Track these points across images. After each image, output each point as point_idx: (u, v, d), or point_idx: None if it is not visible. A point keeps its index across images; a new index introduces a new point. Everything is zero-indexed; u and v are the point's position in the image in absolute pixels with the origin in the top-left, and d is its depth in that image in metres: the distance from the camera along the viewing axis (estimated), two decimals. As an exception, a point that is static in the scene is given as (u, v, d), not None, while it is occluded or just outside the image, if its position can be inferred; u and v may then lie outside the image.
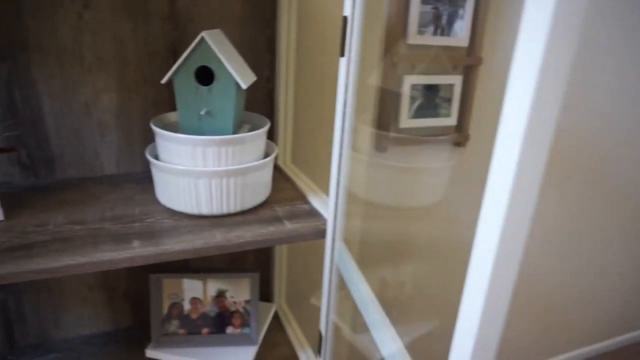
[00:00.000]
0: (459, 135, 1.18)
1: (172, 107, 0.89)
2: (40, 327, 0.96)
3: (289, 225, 0.71)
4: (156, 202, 0.77)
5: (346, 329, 0.80)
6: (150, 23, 0.83)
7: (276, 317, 1.07)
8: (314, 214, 0.75)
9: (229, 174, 0.69)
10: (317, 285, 1.21)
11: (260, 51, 0.92)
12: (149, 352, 0.85)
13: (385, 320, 0.54)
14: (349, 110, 0.60)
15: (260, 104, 0.95)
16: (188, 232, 0.67)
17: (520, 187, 0.29)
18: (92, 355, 0.93)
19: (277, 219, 0.73)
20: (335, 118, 0.62)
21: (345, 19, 0.56)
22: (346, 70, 0.57)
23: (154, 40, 0.84)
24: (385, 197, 1.13)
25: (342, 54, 0.57)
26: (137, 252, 0.62)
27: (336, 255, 0.66)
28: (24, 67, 0.78)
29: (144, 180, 0.87)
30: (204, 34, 0.65)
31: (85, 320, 0.99)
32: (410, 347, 0.53)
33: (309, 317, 1.21)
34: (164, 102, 0.88)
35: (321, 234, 0.70)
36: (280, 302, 1.11)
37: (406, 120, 1.11)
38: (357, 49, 0.57)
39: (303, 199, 0.81)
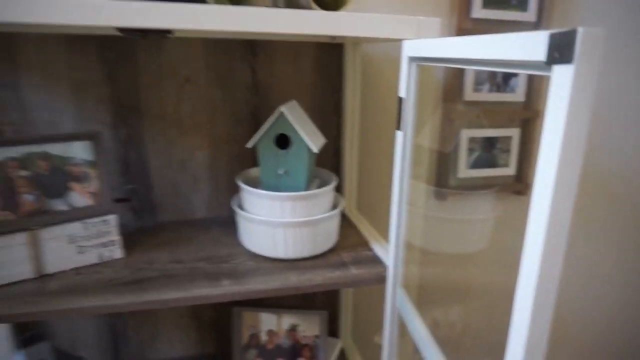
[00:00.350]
0: (519, 185, 1.23)
1: (253, 162, 1.03)
2: (140, 348, 1.11)
3: (353, 271, 0.80)
4: (239, 244, 0.90)
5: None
6: (236, 92, 0.98)
7: (342, 352, 1.15)
8: (376, 260, 0.84)
9: (302, 224, 0.80)
10: (380, 323, 1.28)
11: (329, 113, 1.04)
12: (229, 377, 0.97)
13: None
14: (406, 175, 0.69)
15: (328, 159, 1.07)
16: (267, 273, 0.79)
17: (551, 241, 0.36)
18: (179, 376, 1.07)
19: (344, 265, 0.83)
20: (393, 181, 0.71)
21: (400, 99, 0.66)
22: (402, 141, 0.67)
23: (239, 106, 0.99)
24: (442, 245, 1.19)
25: (399, 128, 0.68)
26: (227, 289, 0.74)
27: (397, 300, 0.74)
28: (138, 130, 0.96)
29: (228, 223, 1.00)
30: (282, 108, 0.79)
31: (176, 345, 1.13)
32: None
33: (373, 353, 1.28)
34: (246, 157, 1.03)
35: (382, 280, 0.78)
36: (345, 338, 1.19)
37: (464, 171, 1.17)
38: (412, 123, 0.67)
39: (366, 245, 0.91)
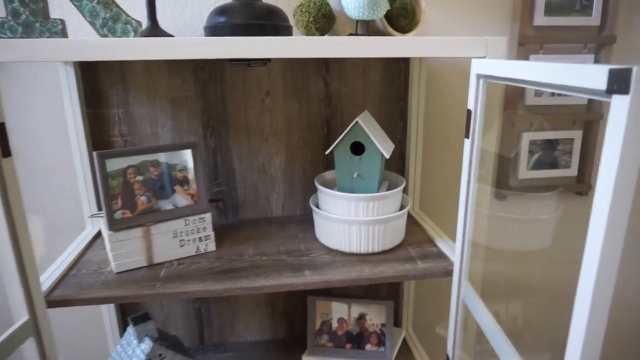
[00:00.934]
0: (581, 185, 1.25)
1: (324, 166, 1.13)
2: (221, 331, 1.24)
3: (421, 265, 0.88)
4: (315, 240, 1.01)
5: (467, 357, 0.93)
6: (311, 104, 1.09)
7: (404, 341, 1.23)
8: (441, 255, 0.92)
9: (374, 222, 0.89)
10: (441, 315, 1.35)
11: (395, 119, 1.12)
12: (305, 358, 1.08)
13: (512, 349, 0.67)
14: (472, 178, 0.77)
15: (394, 161, 1.15)
16: (343, 265, 0.89)
17: (609, 240, 0.43)
18: (257, 357, 1.19)
19: (411, 259, 0.91)
20: (461, 183, 0.79)
21: (469, 111, 0.73)
22: (470, 148, 0.75)
23: (312, 116, 1.10)
24: (504, 243, 1.24)
25: (467, 136, 0.75)
26: (309, 279, 0.84)
27: (462, 292, 0.82)
28: (224, 139, 1.09)
29: (302, 221, 1.11)
30: (358, 119, 0.88)
31: (252, 330, 1.26)
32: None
33: (433, 342, 1.36)
34: (318, 162, 1.13)
35: (448, 273, 0.86)
36: (407, 328, 1.27)
37: (525, 172, 1.22)
38: (479, 132, 0.74)
39: (431, 242, 0.99)
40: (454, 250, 0.90)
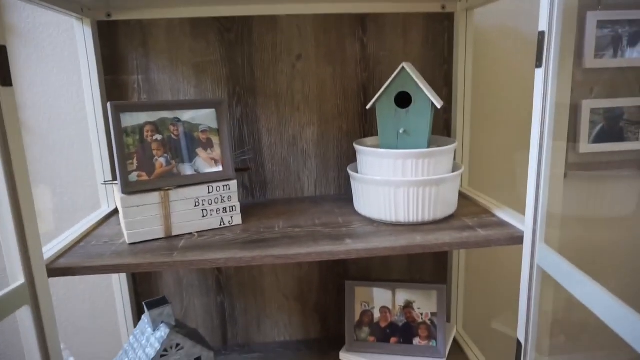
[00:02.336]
0: (650, 160, 1.11)
1: (362, 137, 1.02)
2: (246, 330, 1.11)
3: (482, 232, 0.75)
4: (355, 213, 0.88)
5: (546, 342, 0.78)
6: (346, 68, 0.99)
7: (454, 340, 1.08)
8: (504, 224, 0.78)
9: (424, 184, 0.77)
10: (495, 309, 1.18)
11: (438, 85, 1.01)
12: (342, 355, 0.94)
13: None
14: (547, 121, 0.64)
15: (438, 132, 1.03)
16: (390, 234, 0.76)
17: None
18: (288, 358, 1.05)
19: (470, 227, 0.78)
20: (532, 130, 0.66)
21: (541, 34, 0.62)
22: (543, 80, 0.63)
23: (348, 81, 1.00)
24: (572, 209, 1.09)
25: (539, 64, 0.63)
26: (351, 247, 0.72)
27: (537, 258, 0.68)
28: (252, 108, 0.99)
29: (338, 200, 0.99)
30: (404, 64, 0.77)
31: (281, 328, 1.12)
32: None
33: (486, 341, 1.19)
34: (355, 133, 1.02)
35: (517, 240, 0.72)
36: (457, 324, 1.12)
37: (586, 146, 1.08)
38: (555, 60, 0.62)
39: (489, 213, 0.85)
40: (519, 219, 0.77)
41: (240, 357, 1.07)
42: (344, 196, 1.03)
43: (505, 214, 0.81)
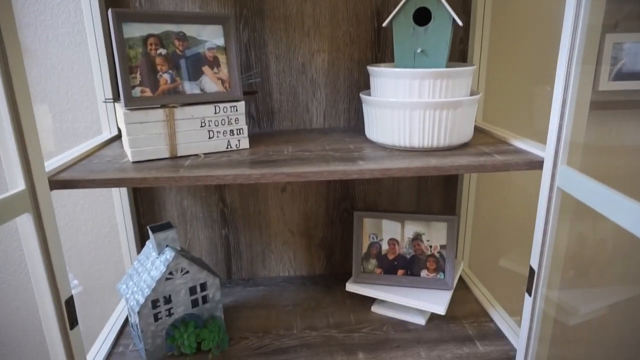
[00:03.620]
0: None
1: (374, 66, 0.97)
2: (251, 264, 1.10)
3: (499, 157, 0.72)
4: (366, 141, 0.85)
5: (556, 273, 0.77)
6: (360, -11, 0.93)
7: (460, 279, 1.07)
8: (522, 151, 0.76)
9: (441, 106, 0.73)
10: (503, 249, 1.17)
11: (456, 12, 0.96)
12: (349, 286, 0.93)
13: None
14: (578, 43, 0.60)
15: (453, 61, 0.99)
16: (403, 158, 0.73)
17: None
18: (292, 292, 1.04)
19: (486, 154, 0.75)
20: (560, 52, 0.62)
21: None
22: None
23: (361, 4, 0.94)
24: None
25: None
26: (364, 167, 0.69)
27: (558, 180, 0.65)
28: (259, 32, 0.94)
29: (347, 131, 0.96)
30: (425, -25, 0.72)
31: (286, 263, 1.11)
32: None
33: (492, 280, 1.18)
34: (367, 62, 0.97)
35: (536, 164, 0.70)
36: (462, 261, 1.11)
37: (607, 83, 1.04)
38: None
39: (505, 143, 0.82)
40: (537, 147, 0.74)
41: (245, 290, 1.06)
42: (354, 128, 1.00)
43: (522, 143, 0.78)
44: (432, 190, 1.08)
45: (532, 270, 0.73)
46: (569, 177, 0.63)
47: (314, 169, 0.69)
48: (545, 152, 0.68)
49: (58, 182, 0.65)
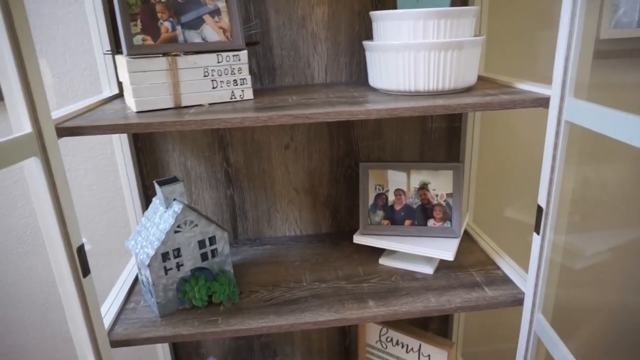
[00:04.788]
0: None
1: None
2: (257, 225, 1.10)
3: (505, 97, 0.72)
4: (371, 89, 0.85)
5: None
6: (359, -62, 0.92)
7: (465, 232, 1.08)
8: (527, 92, 0.75)
9: (447, 46, 0.73)
10: (507, 201, 1.18)
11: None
12: (356, 238, 0.93)
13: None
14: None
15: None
16: (409, 100, 0.73)
17: None
18: (299, 249, 1.05)
19: (492, 95, 0.75)
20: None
21: None
22: None
23: (361, -46, 0.93)
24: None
25: None
26: (370, 107, 0.69)
27: (565, 114, 0.65)
28: (258, -15, 0.93)
29: (350, 84, 0.95)
30: None
31: (292, 223, 1.11)
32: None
33: (498, 233, 1.19)
34: (368, 13, 0.96)
35: (543, 102, 0.70)
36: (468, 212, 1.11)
37: (608, 30, 1.04)
38: None
39: (509, 86, 0.82)
40: (542, 87, 0.74)
41: (252, 249, 1.06)
42: (357, 81, 0.99)
43: (527, 85, 0.78)
44: (435, 144, 1.08)
45: (540, 209, 0.74)
46: (577, 108, 0.63)
47: (321, 110, 0.68)
48: (552, 88, 0.68)
49: (65, 130, 0.65)
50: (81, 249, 0.68)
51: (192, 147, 1.03)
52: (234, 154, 1.04)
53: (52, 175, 0.62)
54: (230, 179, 1.06)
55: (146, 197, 1.04)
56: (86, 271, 0.69)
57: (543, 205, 0.73)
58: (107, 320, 0.81)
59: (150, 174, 1.03)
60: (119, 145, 0.98)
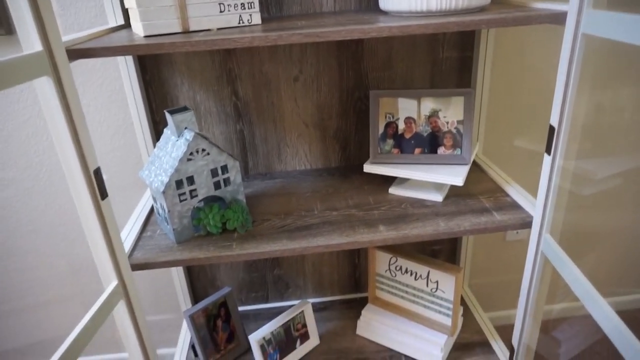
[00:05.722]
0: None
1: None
2: (267, 159, 1.11)
3: (520, 13, 0.70)
4: (381, 13, 0.83)
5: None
6: None
7: (473, 163, 1.08)
8: (541, 9, 0.73)
9: (461, -39, 0.70)
10: (517, 133, 1.17)
11: None
12: (367, 167, 0.94)
13: None
14: None
15: None
16: (421, 19, 0.71)
17: None
18: (309, 182, 1.06)
19: (506, 12, 0.73)
20: None
21: None
22: None
23: None
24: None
25: None
26: (382, 25, 0.67)
27: (582, 25, 0.64)
28: None
29: (359, 12, 0.93)
30: None
31: (302, 157, 1.12)
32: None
33: (507, 164, 1.20)
34: None
35: (558, 17, 0.68)
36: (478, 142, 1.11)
37: None
38: None
39: (524, 6, 0.80)
40: (557, 4, 0.72)
41: (263, 182, 1.08)
42: (366, 9, 0.96)
43: (542, 4, 0.76)
44: (446, 76, 1.06)
45: (552, 129, 0.73)
46: (595, 19, 0.61)
47: (332, 29, 0.67)
48: (569, 3, 0.66)
49: (75, 52, 0.65)
50: (98, 172, 0.69)
51: (201, 80, 1.02)
52: (243, 87, 1.03)
53: (65, 97, 0.62)
54: (240, 113, 1.06)
55: (156, 132, 1.05)
56: (104, 193, 0.71)
57: (555, 124, 0.72)
58: (126, 247, 0.83)
59: (160, 108, 1.03)
60: (128, 80, 0.97)
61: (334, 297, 1.34)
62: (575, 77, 0.68)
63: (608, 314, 0.63)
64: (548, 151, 0.75)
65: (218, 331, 1.11)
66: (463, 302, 1.26)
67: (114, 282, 0.76)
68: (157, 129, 1.05)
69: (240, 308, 1.31)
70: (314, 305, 1.29)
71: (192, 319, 1.05)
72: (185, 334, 1.22)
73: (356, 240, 0.82)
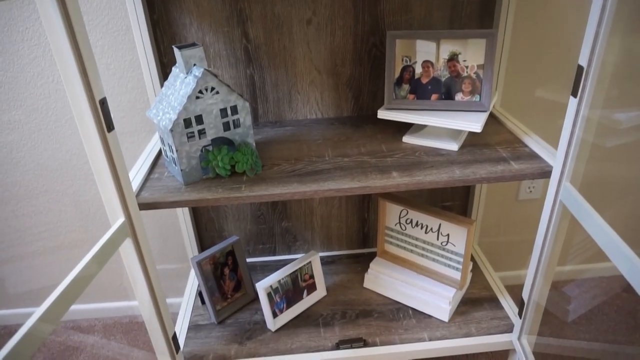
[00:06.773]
0: None
1: None
2: (278, 107, 1.08)
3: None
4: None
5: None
6: None
7: (491, 114, 1.05)
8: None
9: None
10: (538, 83, 1.13)
11: None
12: (381, 113, 0.91)
13: None
14: None
15: None
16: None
17: None
18: (321, 130, 1.03)
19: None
20: None
21: None
22: None
23: None
24: None
25: None
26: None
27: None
28: None
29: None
30: None
31: (313, 105, 1.09)
32: None
33: (525, 116, 1.16)
34: None
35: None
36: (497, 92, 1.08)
37: None
38: None
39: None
40: None
41: (273, 130, 1.05)
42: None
43: None
44: (466, 20, 1.01)
45: (580, 69, 0.69)
46: None
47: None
48: None
49: (77, -28, 0.61)
50: (104, 102, 0.67)
51: (210, 21, 0.98)
52: (254, 29, 0.99)
53: (70, 19, 0.59)
54: (250, 57, 1.02)
55: (164, 75, 1.02)
56: (110, 125, 0.68)
57: (584, 64, 0.68)
58: (134, 187, 0.82)
59: (168, 50, 1.00)
60: (135, 19, 0.94)
61: (341, 251, 1.33)
62: (610, 14, 0.64)
63: (635, 264, 0.61)
64: (574, 93, 0.71)
65: (225, 279, 1.11)
66: (472, 259, 1.25)
67: (120, 219, 0.75)
68: (165, 72, 1.02)
69: (248, 260, 1.31)
70: (321, 258, 1.29)
71: (200, 265, 1.04)
72: (193, 283, 1.23)
73: (368, 185, 0.79)
